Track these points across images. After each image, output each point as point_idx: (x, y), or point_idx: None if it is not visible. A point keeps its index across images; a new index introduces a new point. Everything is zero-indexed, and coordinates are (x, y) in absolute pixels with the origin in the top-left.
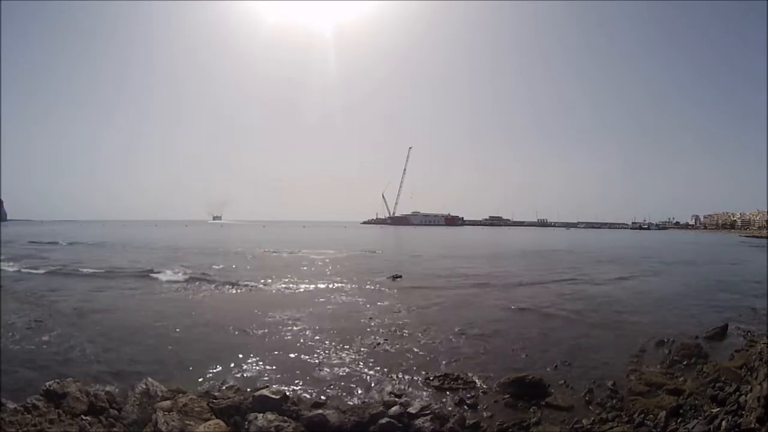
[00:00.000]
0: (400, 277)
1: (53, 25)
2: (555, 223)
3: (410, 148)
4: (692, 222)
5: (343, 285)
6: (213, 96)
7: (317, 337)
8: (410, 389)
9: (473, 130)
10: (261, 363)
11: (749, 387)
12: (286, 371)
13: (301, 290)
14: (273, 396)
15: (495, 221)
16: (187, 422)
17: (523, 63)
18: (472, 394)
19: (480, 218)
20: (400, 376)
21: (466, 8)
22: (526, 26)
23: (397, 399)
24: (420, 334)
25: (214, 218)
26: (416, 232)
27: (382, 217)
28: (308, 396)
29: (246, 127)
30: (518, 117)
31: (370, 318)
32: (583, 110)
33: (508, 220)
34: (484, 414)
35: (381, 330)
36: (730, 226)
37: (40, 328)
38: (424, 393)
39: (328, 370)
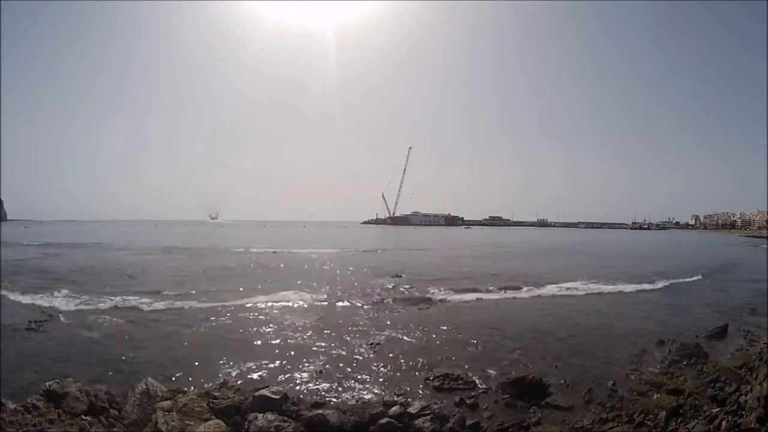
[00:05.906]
0: (400, 276)
1: (53, 25)
2: (555, 223)
3: (410, 148)
4: (692, 222)
5: (343, 284)
6: (213, 96)
7: (317, 337)
8: (410, 389)
9: (473, 130)
10: (261, 363)
11: (749, 387)
12: (285, 371)
13: (301, 290)
14: (273, 396)
15: (495, 221)
16: (187, 422)
17: (524, 63)
18: (472, 394)
19: (480, 218)
20: (400, 376)
21: (467, 8)
22: (526, 26)
23: (397, 399)
24: (420, 334)
25: (212, 218)
26: (416, 232)
27: (382, 217)
28: (308, 396)
29: (246, 127)
30: (518, 117)
31: (370, 317)
32: (584, 110)
33: (508, 220)
34: (484, 414)
35: (381, 329)
36: (730, 226)
37: (40, 327)
38: (424, 393)
39: (328, 370)
